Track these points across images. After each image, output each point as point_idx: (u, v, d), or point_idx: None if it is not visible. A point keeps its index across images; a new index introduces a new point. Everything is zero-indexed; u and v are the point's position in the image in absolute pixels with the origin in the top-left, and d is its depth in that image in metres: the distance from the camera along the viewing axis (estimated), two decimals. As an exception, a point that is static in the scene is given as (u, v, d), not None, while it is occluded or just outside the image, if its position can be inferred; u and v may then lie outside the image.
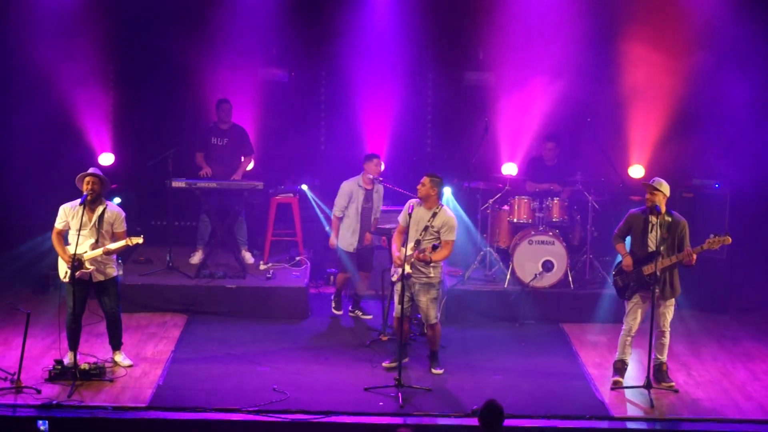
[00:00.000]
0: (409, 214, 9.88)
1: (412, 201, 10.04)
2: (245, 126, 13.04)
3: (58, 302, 10.02)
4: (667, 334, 9.86)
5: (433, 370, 10.12)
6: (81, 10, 12.97)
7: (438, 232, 9.80)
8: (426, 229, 9.78)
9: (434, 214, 9.81)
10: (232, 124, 12.82)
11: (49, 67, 12.81)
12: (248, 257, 12.89)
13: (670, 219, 9.66)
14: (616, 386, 9.80)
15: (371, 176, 11.58)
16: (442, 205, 9.93)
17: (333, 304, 12.06)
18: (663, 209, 9.66)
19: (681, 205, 11.79)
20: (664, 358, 9.92)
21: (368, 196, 11.69)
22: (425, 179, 9.90)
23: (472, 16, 13.54)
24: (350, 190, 11.61)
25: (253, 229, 13.13)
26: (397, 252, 9.87)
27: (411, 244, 9.75)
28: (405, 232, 9.85)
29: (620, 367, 9.98)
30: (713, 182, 12.58)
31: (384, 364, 10.17)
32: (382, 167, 11.72)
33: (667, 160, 12.93)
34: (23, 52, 12.76)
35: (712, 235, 9.51)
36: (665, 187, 9.67)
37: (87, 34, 13.01)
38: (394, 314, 10.11)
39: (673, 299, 9.80)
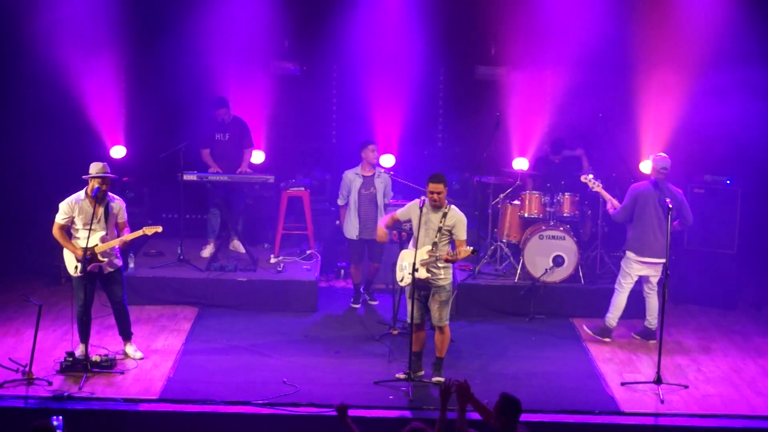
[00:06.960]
0: (420, 208, 9.51)
1: (421, 200, 9.64)
2: (257, 120, 13.07)
3: (70, 294, 10.06)
4: (651, 296, 10.96)
5: (434, 379, 9.65)
6: (93, 4, 12.99)
7: (450, 231, 9.57)
8: (439, 230, 9.52)
9: (444, 215, 9.53)
10: (233, 117, 12.83)
11: (61, 61, 12.81)
12: (239, 246, 12.84)
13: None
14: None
15: (371, 163, 11.85)
16: (450, 205, 9.62)
17: (352, 299, 12.16)
18: None
19: (692, 201, 11.76)
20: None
21: (368, 183, 11.78)
22: (440, 186, 9.43)
23: (485, 11, 13.50)
24: (348, 178, 11.90)
25: (264, 222, 13.13)
26: (382, 225, 10.07)
27: (427, 247, 9.54)
28: (398, 225, 9.99)
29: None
30: (724, 178, 12.55)
31: (398, 375, 9.78)
32: (382, 153, 11.99)
33: (678, 156, 12.89)
34: (35, 46, 12.76)
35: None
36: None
37: (99, 27, 13.01)
38: (412, 321, 9.71)
39: (628, 255, 10.98)
